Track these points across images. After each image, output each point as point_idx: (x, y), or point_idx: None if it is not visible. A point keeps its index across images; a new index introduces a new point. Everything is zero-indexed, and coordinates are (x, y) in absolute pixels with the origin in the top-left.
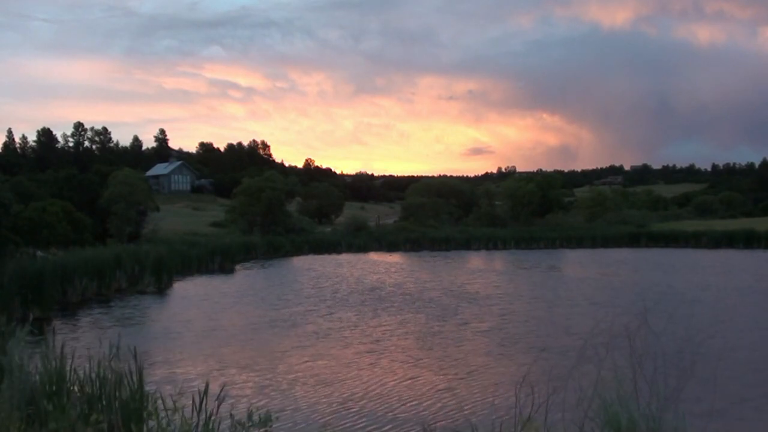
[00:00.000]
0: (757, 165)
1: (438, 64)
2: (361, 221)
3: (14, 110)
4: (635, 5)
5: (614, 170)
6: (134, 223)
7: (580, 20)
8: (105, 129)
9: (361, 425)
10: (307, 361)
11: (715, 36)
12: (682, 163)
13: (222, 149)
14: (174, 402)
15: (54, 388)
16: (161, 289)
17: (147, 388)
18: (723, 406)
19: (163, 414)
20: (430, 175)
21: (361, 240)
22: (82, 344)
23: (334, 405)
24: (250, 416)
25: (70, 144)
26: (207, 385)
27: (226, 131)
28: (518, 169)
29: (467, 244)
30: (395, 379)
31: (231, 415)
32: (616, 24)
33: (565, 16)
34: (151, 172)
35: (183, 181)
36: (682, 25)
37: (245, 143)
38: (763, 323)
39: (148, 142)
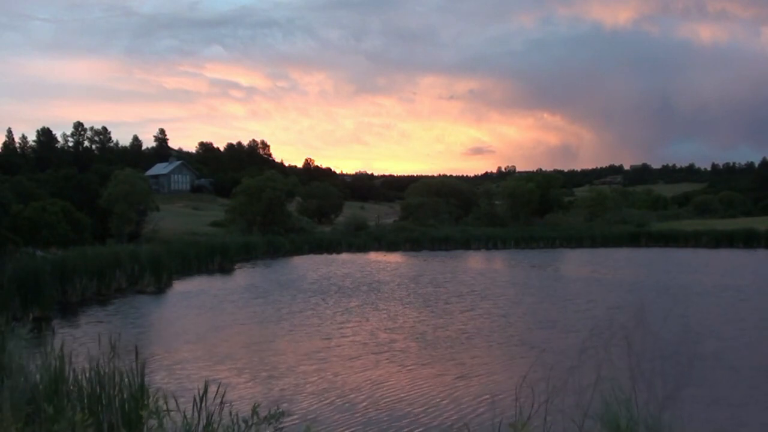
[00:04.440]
0: (756, 164)
1: (439, 64)
2: (361, 221)
3: (14, 110)
4: (637, 4)
5: (614, 170)
6: (134, 223)
7: (582, 19)
8: (105, 129)
9: (357, 425)
10: (307, 362)
11: (717, 35)
12: (681, 162)
13: (222, 149)
14: (176, 401)
15: (54, 387)
16: (161, 289)
17: (147, 387)
18: (721, 406)
19: (163, 413)
20: (430, 174)
21: (361, 240)
22: (82, 344)
23: (335, 406)
24: (254, 412)
25: (70, 144)
26: (207, 384)
27: (226, 131)
28: (518, 169)
29: (467, 243)
30: (393, 380)
31: (233, 413)
32: (618, 23)
33: (566, 15)
34: (150, 172)
35: (183, 181)
36: (685, 24)
37: (245, 143)
38: (762, 323)
39: (148, 142)
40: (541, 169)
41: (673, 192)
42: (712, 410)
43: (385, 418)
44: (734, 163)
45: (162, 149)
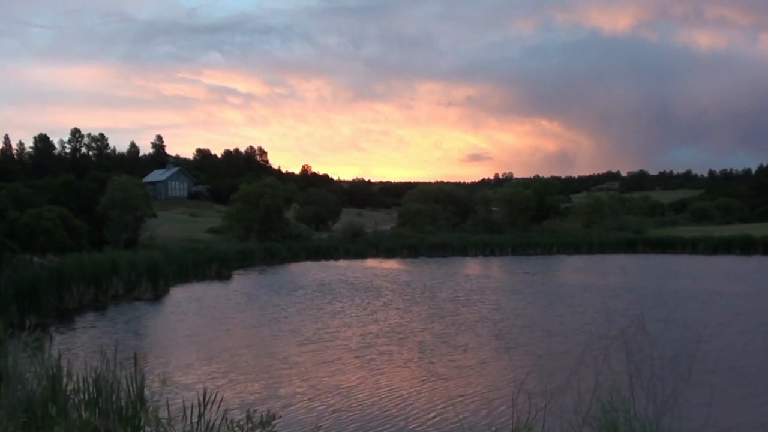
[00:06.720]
0: (753, 171)
1: (437, 70)
2: (359, 227)
3: (11, 116)
4: (636, 10)
5: (611, 176)
6: (131, 229)
7: (581, 26)
8: (102, 135)
9: (355, 428)
10: (308, 365)
11: (715, 42)
12: (679, 169)
13: (219, 155)
14: (176, 407)
15: (51, 394)
16: (158, 296)
17: (144, 393)
18: (719, 411)
19: (160, 420)
20: (427, 181)
21: (359, 246)
22: (79, 351)
23: (336, 410)
24: (249, 418)
25: (67, 150)
26: (205, 391)
27: (223, 137)
28: (516, 175)
29: (464, 250)
30: (391, 384)
31: (227, 418)
32: (617, 29)
33: (565, 21)
34: (148, 179)
35: (180, 188)
36: (683, 30)
37: (242, 149)
38: (759, 328)
39: (145, 149)
40: (538, 176)
41: (670, 198)
42: (710, 415)
43: (376, 422)
44: (731, 170)
45: (159, 156)
